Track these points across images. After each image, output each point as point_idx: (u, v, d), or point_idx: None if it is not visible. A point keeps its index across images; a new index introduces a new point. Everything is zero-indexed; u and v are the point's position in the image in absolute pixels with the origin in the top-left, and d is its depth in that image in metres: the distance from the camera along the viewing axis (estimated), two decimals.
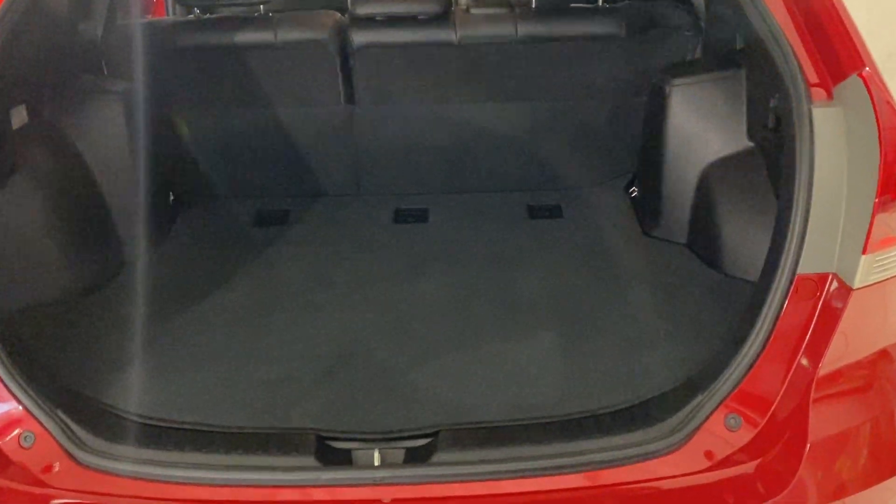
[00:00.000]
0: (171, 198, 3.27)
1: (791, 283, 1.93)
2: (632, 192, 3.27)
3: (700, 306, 2.53)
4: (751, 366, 1.92)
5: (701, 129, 2.81)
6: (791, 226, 1.92)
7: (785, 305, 1.93)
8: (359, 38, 3.13)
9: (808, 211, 1.91)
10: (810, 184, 1.91)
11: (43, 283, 2.57)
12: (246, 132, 3.29)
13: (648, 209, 3.05)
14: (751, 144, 2.72)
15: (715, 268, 2.70)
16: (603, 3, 3.13)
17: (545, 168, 3.38)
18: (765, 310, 1.93)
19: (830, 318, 1.91)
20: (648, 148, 3.04)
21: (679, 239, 2.90)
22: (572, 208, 3.25)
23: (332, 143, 3.33)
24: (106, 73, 3.14)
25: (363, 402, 2.16)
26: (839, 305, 1.90)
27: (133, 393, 2.19)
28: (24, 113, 2.60)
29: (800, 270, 1.92)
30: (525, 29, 3.11)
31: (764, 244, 2.13)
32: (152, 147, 3.09)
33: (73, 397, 2.08)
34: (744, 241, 2.61)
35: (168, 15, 4.10)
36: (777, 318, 1.92)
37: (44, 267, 2.58)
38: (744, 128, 2.74)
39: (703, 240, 2.78)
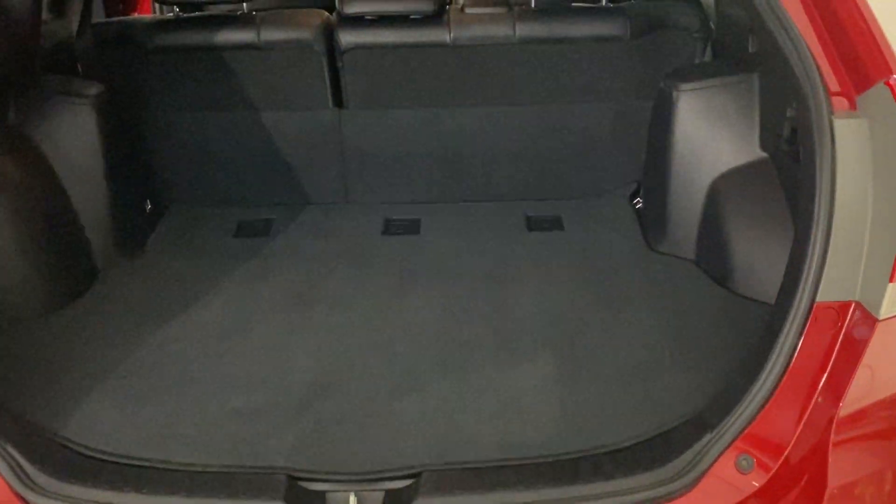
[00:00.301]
0: (149, 206, 3.10)
1: (809, 311, 1.77)
2: (636, 203, 3.09)
3: (709, 330, 2.36)
4: (765, 402, 1.77)
5: (710, 137, 2.63)
6: (810, 249, 1.76)
7: (803, 336, 1.77)
8: (347, 38, 2.95)
9: (828, 233, 1.74)
10: (831, 203, 1.74)
11: (5, 301, 2.41)
12: (228, 137, 3.12)
13: (654, 222, 2.87)
14: (764, 155, 2.54)
15: (725, 287, 2.52)
16: (606, 2, 2.95)
17: (544, 177, 3.20)
18: (780, 340, 1.78)
19: (853, 352, 1.75)
20: (654, 156, 2.86)
21: (687, 255, 2.72)
22: (573, 220, 3.07)
23: (319, 149, 3.16)
24: (81, 73, 2.97)
25: (340, 436, 1.99)
26: (863, 337, 1.74)
27: (92, 424, 2.03)
28: None
29: (819, 298, 1.76)
30: (524, 30, 2.93)
31: (778, 263, 1.97)
32: (127, 153, 2.93)
33: (25, 429, 1.92)
34: (756, 259, 2.44)
35: (154, 14, 3.94)
36: (794, 349, 1.77)
37: (6, 283, 2.41)
38: (756, 137, 2.56)
39: (713, 256, 2.61)
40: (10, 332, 2.37)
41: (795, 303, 1.77)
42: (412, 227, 3.09)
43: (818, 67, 1.86)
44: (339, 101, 3.10)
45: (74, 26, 2.95)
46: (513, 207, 3.18)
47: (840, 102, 1.81)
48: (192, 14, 3.01)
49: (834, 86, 1.86)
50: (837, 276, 1.74)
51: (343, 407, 2.09)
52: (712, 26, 2.99)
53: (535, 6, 2.95)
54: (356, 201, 3.25)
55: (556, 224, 3.08)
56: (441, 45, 2.96)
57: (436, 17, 2.95)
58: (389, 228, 3.09)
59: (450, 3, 3.19)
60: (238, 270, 2.77)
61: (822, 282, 1.75)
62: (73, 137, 2.70)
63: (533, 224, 3.08)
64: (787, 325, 1.78)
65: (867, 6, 1.93)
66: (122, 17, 3.68)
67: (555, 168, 3.19)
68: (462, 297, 2.59)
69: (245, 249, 2.93)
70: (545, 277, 2.69)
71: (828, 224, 1.74)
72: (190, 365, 2.28)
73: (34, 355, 2.31)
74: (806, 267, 1.76)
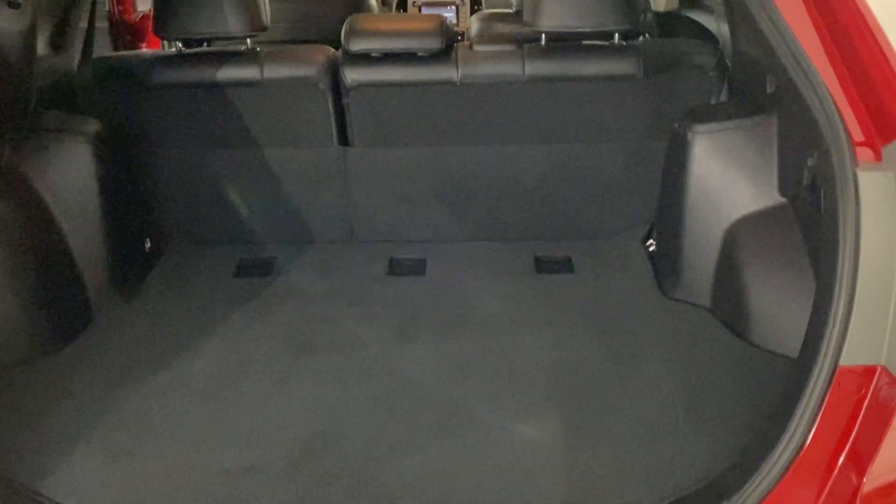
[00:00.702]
0: (148, 245, 3.03)
1: (832, 375, 1.65)
2: (649, 246, 2.99)
3: (725, 384, 2.24)
4: (784, 472, 1.65)
5: (726, 180, 2.53)
6: (832, 310, 1.65)
7: (825, 402, 1.65)
8: (353, 75, 2.88)
9: (852, 293, 1.63)
10: (856, 261, 1.63)
11: None
12: (230, 174, 3.05)
13: (667, 266, 2.76)
14: (783, 200, 2.43)
15: (742, 337, 2.41)
16: (619, 40, 2.85)
17: (554, 216, 3.11)
18: (800, 406, 1.66)
19: (879, 420, 1.62)
20: (668, 199, 2.76)
21: (702, 302, 2.61)
22: (584, 262, 2.97)
23: (323, 187, 3.08)
24: (81, 109, 2.91)
25: (335, 498, 1.89)
26: (890, 404, 1.61)
27: (73, 480, 1.93)
28: None
29: (842, 361, 1.65)
30: (533, 68, 2.84)
31: (798, 315, 1.86)
32: (126, 191, 2.86)
33: (2, 486, 1.82)
34: (775, 309, 2.33)
35: (161, 48, 3.90)
36: (815, 416, 1.65)
37: None
38: (775, 181, 2.45)
39: (729, 305, 2.49)
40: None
41: (817, 366, 1.66)
42: (417, 268, 3.00)
43: (840, 115, 1.76)
44: (343, 139, 3.02)
45: (75, 62, 2.89)
46: (521, 248, 3.08)
47: (864, 153, 1.71)
48: (195, 50, 2.95)
49: (858, 135, 1.76)
50: (862, 338, 1.63)
51: (339, 466, 1.99)
52: (729, 65, 2.89)
53: (545, 44, 2.87)
54: (361, 240, 3.16)
55: (565, 266, 2.98)
56: (448, 83, 2.88)
57: (443, 54, 2.87)
58: (394, 269, 3.00)
59: (458, 41, 3.12)
60: (236, 313, 2.68)
61: (846, 344, 1.64)
62: (70, 176, 2.63)
63: (542, 266, 2.98)
64: (808, 389, 1.66)
65: (892, 50, 1.84)
66: (124, 52, 3.64)
67: (565, 208, 3.10)
68: (467, 345, 2.48)
69: (245, 290, 2.85)
70: (554, 324, 2.59)
71: (852, 283, 1.63)
72: (181, 417, 2.18)
73: (22, 402, 2.22)
74: (828, 328, 1.65)
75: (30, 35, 2.44)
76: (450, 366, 2.38)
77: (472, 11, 5.38)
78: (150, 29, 4.04)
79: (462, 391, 2.26)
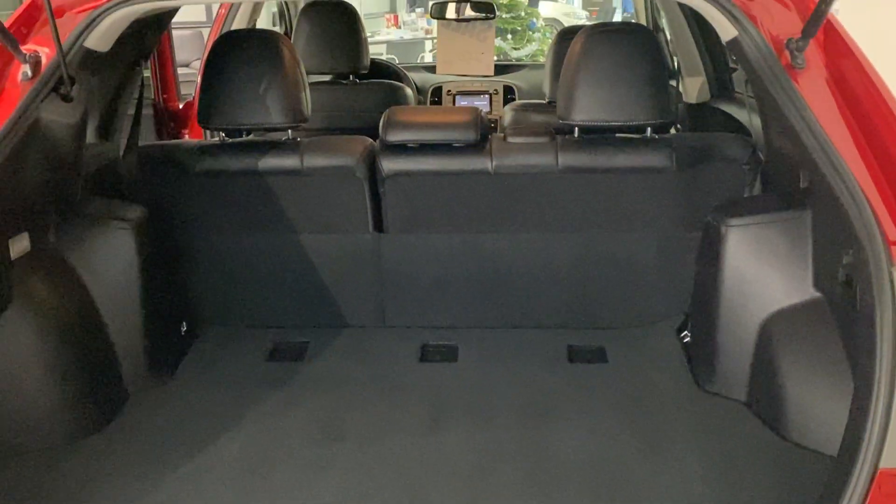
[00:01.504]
0: (184, 328, 3.07)
1: (872, 478, 1.62)
2: (684, 337, 2.97)
3: (761, 483, 2.19)
4: None
5: (761, 274, 2.52)
6: (871, 411, 1.62)
7: None
8: (389, 165, 2.94)
9: (892, 393, 1.62)
10: (894, 362, 1.61)
11: (33, 429, 2.37)
12: (266, 259, 3.10)
13: (702, 359, 2.74)
14: (818, 295, 2.41)
15: (778, 433, 2.37)
16: (651, 133, 2.90)
17: (587, 305, 3.11)
18: None
19: None
20: (702, 291, 2.75)
21: (738, 396, 2.58)
22: (617, 352, 2.95)
23: (357, 273, 3.12)
24: (126, 195, 3.00)
25: None
26: None
27: None
28: (27, 241, 2.44)
29: (882, 464, 1.62)
30: (567, 159, 2.89)
31: (836, 412, 1.84)
32: (165, 276, 2.91)
33: None
34: (812, 406, 2.29)
35: (205, 138, 4.02)
36: None
37: (35, 411, 2.38)
38: (810, 276, 2.44)
39: (766, 400, 2.46)
40: (34, 460, 2.31)
41: (857, 467, 1.64)
42: (449, 354, 3.00)
43: (875, 214, 1.77)
44: (378, 226, 3.07)
45: (121, 149, 2.98)
46: (554, 336, 3.07)
47: None
48: (238, 140, 3.04)
49: (893, 234, 1.77)
50: None
51: None
52: (762, 157, 2.92)
53: (578, 136, 2.92)
54: (393, 325, 3.18)
55: (599, 355, 2.96)
56: (483, 173, 2.93)
57: (478, 145, 2.93)
58: (426, 355, 3.01)
59: (491, 128, 3.18)
60: (269, 398, 2.69)
61: (886, 446, 1.61)
62: (112, 261, 2.69)
63: (575, 355, 2.97)
64: (848, 491, 1.64)
65: None
66: (169, 141, 3.76)
67: (598, 297, 3.10)
68: (499, 435, 2.47)
69: (277, 374, 2.87)
70: (586, 415, 2.56)
71: (890, 384, 1.62)
72: (212, 502, 2.18)
73: (58, 483, 2.24)
74: (867, 430, 1.62)
75: (80, 126, 2.54)
76: (481, 457, 2.36)
77: (506, 100, 5.49)
78: (192, 116, 4.18)
79: (494, 483, 2.24)
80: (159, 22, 3.00)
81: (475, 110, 3.01)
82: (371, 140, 3.07)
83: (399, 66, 5.64)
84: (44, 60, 2.30)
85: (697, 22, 4.16)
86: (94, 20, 2.34)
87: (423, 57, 11.76)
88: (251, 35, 3.24)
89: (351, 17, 4.36)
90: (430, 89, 5.61)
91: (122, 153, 3.02)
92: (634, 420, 2.53)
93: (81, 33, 2.34)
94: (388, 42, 12.97)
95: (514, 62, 7.25)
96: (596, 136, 2.93)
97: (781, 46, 2.25)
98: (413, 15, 15.02)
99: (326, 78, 4.45)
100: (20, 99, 2.23)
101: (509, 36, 11.63)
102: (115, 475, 2.29)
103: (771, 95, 2.22)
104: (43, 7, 2.41)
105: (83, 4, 2.38)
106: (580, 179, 2.92)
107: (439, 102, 5.57)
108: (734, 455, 2.33)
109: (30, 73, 2.27)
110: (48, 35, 2.32)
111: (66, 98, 2.35)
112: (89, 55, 2.42)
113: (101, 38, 2.44)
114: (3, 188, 2.15)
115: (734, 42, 2.36)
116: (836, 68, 2.23)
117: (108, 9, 2.34)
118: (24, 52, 2.26)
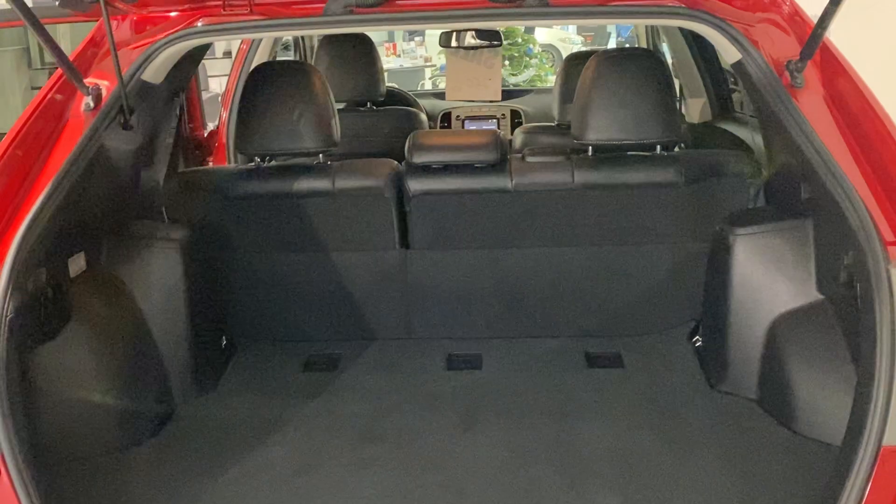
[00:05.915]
0: (224, 342, 3.24)
1: (876, 456, 1.78)
2: (696, 342, 3.14)
3: (774, 472, 2.36)
4: None
5: (768, 280, 2.70)
6: (874, 395, 1.79)
7: (870, 482, 1.78)
8: (415, 185, 3.14)
9: (891, 378, 1.78)
10: (893, 351, 1.79)
11: (88, 437, 2.51)
12: (300, 276, 3.28)
13: (714, 361, 2.91)
14: (821, 297, 2.59)
15: (789, 428, 2.54)
16: (661, 150, 3.09)
17: (603, 314, 3.28)
18: (847, 487, 1.79)
19: None
20: (712, 298, 2.93)
21: (749, 394, 2.75)
22: (633, 357, 3.13)
23: (385, 288, 3.29)
24: (166, 218, 3.18)
25: None
26: None
27: None
28: (83, 260, 2.62)
29: (885, 442, 1.78)
30: (582, 176, 3.08)
31: (842, 404, 2.00)
32: (207, 292, 3.08)
33: None
34: (819, 400, 2.46)
35: (229, 163, 4.21)
36: (862, 496, 1.77)
37: (92, 420, 2.53)
38: (813, 280, 2.63)
39: (775, 397, 2.63)
40: (89, 467, 2.45)
41: (861, 448, 1.79)
42: (475, 363, 3.16)
43: (872, 218, 1.95)
44: (405, 243, 3.25)
45: (162, 175, 3.17)
46: (572, 344, 3.24)
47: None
48: (273, 164, 3.23)
49: (889, 235, 1.94)
50: None
51: None
52: (764, 172, 3.11)
53: (592, 154, 3.11)
54: (419, 337, 3.35)
55: (616, 361, 3.13)
56: (503, 191, 3.12)
57: (498, 165, 3.12)
58: (452, 364, 3.17)
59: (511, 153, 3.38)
60: (307, 406, 2.86)
61: (888, 425, 1.78)
62: (160, 278, 2.86)
63: (593, 361, 3.14)
64: (854, 470, 1.79)
65: None
66: (207, 167, 3.96)
67: (613, 306, 3.28)
68: (526, 434, 2.63)
69: (313, 384, 3.03)
70: (608, 415, 2.73)
71: (890, 371, 1.78)
72: (261, 502, 2.33)
73: (111, 490, 2.38)
74: (870, 412, 1.79)
75: (137, 153, 2.73)
76: (512, 453, 2.52)
77: (513, 124, 5.69)
78: (216, 145, 4.37)
79: (526, 477, 2.40)
80: (197, 55, 3.20)
81: (494, 132, 3.21)
82: (396, 163, 3.26)
83: (409, 92, 5.86)
84: (104, 93, 2.50)
85: (698, 46, 4.38)
86: (150, 55, 2.54)
87: (423, 84, 11.98)
88: (284, 66, 3.44)
89: (368, 47, 4.58)
90: (440, 115, 5.81)
91: (162, 179, 3.20)
92: (652, 418, 2.70)
93: (140, 67, 2.54)
94: (388, 70, 13.20)
95: (519, 87, 7.44)
96: (609, 154, 3.12)
97: (782, 68, 2.44)
98: (412, 44, 15.25)
99: (342, 105, 4.65)
100: (84, 128, 2.41)
101: (507, 62, 11.84)
102: (168, 479, 2.45)
103: (774, 113, 2.41)
104: (99, 43, 2.62)
105: (139, 41, 2.58)
106: (595, 195, 3.11)
107: (448, 127, 5.78)
108: (748, 448, 2.50)
109: (91, 104, 2.46)
110: (106, 69, 2.52)
111: (126, 127, 2.54)
112: (145, 87, 2.62)
113: (155, 71, 2.64)
114: (69, 211, 2.32)
115: (738, 65, 2.55)
116: (833, 86, 2.43)
117: (164, 44, 2.54)
118: (87, 84, 2.46)
